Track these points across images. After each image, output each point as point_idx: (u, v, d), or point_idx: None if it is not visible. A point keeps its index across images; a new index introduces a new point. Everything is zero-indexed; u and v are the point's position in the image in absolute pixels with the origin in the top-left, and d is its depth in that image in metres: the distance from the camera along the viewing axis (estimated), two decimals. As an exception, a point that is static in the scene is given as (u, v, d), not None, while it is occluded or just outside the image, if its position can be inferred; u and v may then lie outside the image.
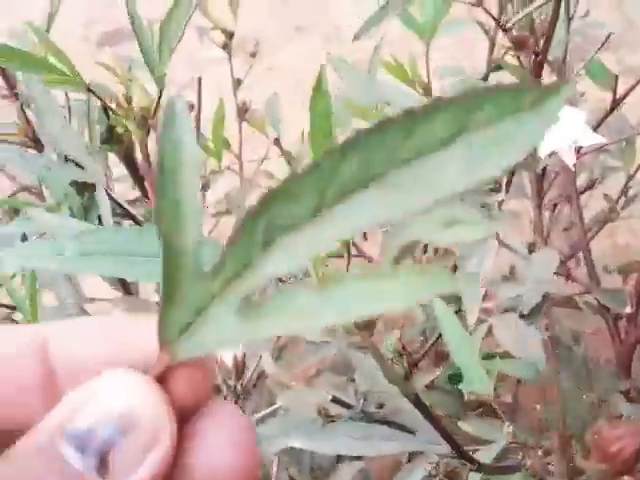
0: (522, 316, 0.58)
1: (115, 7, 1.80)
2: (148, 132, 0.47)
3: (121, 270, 0.29)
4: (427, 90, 0.79)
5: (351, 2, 1.65)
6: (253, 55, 0.94)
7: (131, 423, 0.19)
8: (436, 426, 0.44)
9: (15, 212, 0.91)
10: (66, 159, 0.67)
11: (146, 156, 0.48)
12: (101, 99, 0.48)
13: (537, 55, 0.47)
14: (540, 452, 0.44)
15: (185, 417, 0.20)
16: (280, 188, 0.19)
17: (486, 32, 0.84)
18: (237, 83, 0.91)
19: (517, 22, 0.50)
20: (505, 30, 0.73)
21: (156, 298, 0.90)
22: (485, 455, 0.47)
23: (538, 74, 0.49)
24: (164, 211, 0.20)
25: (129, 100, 0.47)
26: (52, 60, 0.47)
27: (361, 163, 0.18)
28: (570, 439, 0.44)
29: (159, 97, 0.47)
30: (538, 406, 0.86)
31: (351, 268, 0.34)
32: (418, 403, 0.43)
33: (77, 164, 0.58)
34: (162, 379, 0.20)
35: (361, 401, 0.59)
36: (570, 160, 0.47)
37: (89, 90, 0.48)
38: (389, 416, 0.60)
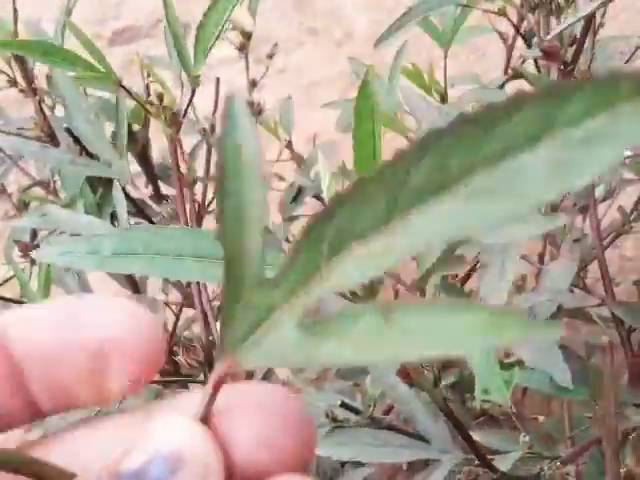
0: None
1: (126, 5, 1.80)
2: (178, 130, 0.47)
3: (157, 269, 0.29)
4: (443, 97, 0.79)
5: (363, 7, 1.65)
6: (270, 57, 0.94)
7: (181, 462, 0.19)
8: (462, 434, 0.44)
9: (26, 206, 0.91)
10: (81, 154, 0.67)
11: (175, 154, 0.48)
12: (134, 97, 0.48)
13: (566, 65, 0.46)
14: (558, 462, 0.44)
15: None
16: (348, 192, 0.18)
17: (504, 40, 0.84)
18: (252, 85, 0.90)
19: (545, 32, 0.50)
20: (525, 39, 0.73)
21: (162, 297, 0.90)
22: (501, 464, 0.46)
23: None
24: (226, 216, 0.19)
25: (161, 99, 0.46)
26: (86, 57, 0.46)
27: (436, 165, 0.17)
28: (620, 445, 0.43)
29: (192, 96, 0.46)
30: (541, 417, 0.86)
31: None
32: (446, 409, 0.42)
33: (98, 160, 0.58)
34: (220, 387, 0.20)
35: (370, 407, 0.59)
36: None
37: (121, 87, 0.48)
38: (397, 423, 0.60)
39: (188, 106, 0.46)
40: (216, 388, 0.19)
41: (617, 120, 0.16)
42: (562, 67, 0.47)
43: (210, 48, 0.45)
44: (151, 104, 0.46)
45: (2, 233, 1.42)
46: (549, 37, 0.44)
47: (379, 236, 0.18)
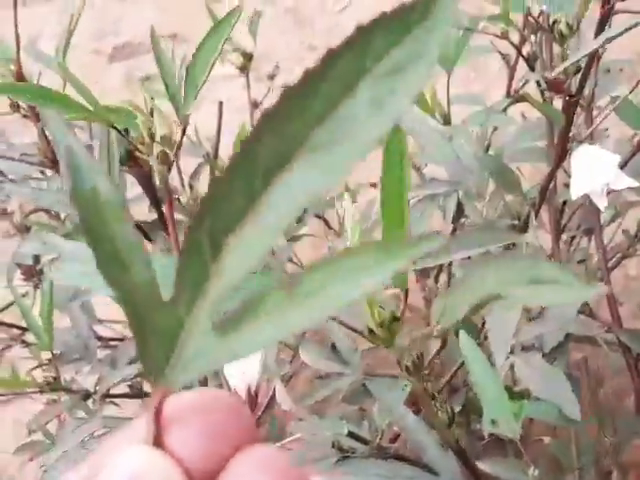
0: (543, 354, 0.58)
1: (125, 21, 1.80)
2: (170, 168, 0.47)
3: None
4: (446, 118, 0.79)
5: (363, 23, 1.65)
6: (272, 77, 0.94)
7: None
8: (472, 473, 0.43)
9: (27, 229, 0.91)
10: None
11: (167, 189, 0.48)
12: (125, 136, 0.48)
13: (571, 96, 0.46)
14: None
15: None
16: (210, 193, 0.19)
17: (506, 62, 0.84)
18: (254, 106, 0.90)
19: (548, 55, 0.50)
20: (528, 61, 0.73)
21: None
22: (510, 500, 0.46)
23: (571, 113, 0.48)
24: (104, 260, 0.20)
25: (152, 136, 0.46)
26: (76, 98, 0.46)
27: (277, 140, 0.18)
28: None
29: (182, 134, 0.46)
30: (547, 439, 0.85)
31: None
32: (458, 450, 0.42)
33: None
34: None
35: (378, 437, 0.59)
36: (601, 203, 0.46)
37: (113, 127, 0.48)
38: (404, 451, 0.60)
39: (180, 144, 0.46)
40: (157, 417, 0.20)
41: (415, 43, 0.17)
42: (567, 98, 0.47)
43: (201, 87, 0.45)
44: (142, 143, 0.46)
45: (3, 252, 1.41)
46: (555, 73, 0.44)
47: (248, 223, 0.19)
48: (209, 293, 0.19)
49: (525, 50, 0.79)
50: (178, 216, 0.71)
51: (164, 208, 0.74)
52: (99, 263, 0.20)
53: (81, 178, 0.20)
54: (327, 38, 1.58)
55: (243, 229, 0.19)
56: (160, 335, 0.20)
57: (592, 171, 0.46)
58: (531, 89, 0.89)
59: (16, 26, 0.68)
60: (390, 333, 0.33)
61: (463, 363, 0.63)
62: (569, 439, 0.72)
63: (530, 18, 0.75)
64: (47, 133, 0.70)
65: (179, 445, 0.20)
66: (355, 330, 0.36)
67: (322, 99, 0.18)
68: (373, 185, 0.97)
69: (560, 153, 0.50)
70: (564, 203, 0.71)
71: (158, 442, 0.20)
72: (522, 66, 0.85)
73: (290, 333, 0.18)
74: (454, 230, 0.82)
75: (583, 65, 0.48)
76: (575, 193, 0.47)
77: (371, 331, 0.34)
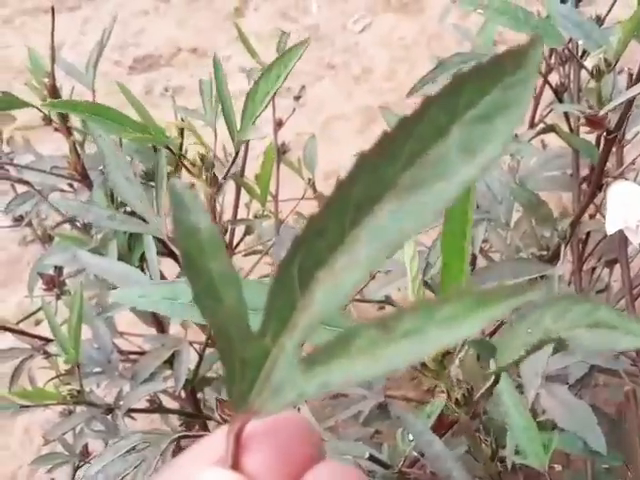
0: (568, 385, 0.58)
1: (146, 33, 1.81)
2: (218, 190, 0.48)
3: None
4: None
5: (381, 44, 1.66)
6: (297, 98, 0.95)
7: None
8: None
9: (50, 238, 0.91)
10: (113, 201, 0.67)
11: (213, 210, 0.49)
12: (178, 157, 0.49)
13: (609, 133, 0.47)
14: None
15: None
16: (305, 230, 0.19)
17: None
18: (278, 124, 0.91)
19: (576, 86, 0.50)
20: (557, 92, 0.74)
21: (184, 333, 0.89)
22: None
23: (608, 149, 0.49)
24: (201, 294, 0.21)
25: (203, 160, 0.47)
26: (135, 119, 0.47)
27: (370, 180, 0.19)
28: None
29: (234, 159, 0.47)
30: (558, 467, 0.85)
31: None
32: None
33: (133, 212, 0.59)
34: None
35: (400, 462, 0.59)
36: (636, 239, 0.47)
37: (167, 148, 0.49)
38: (425, 476, 0.60)
39: (230, 167, 0.47)
40: (238, 440, 0.21)
41: (506, 92, 0.18)
42: (606, 134, 0.47)
43: (259, 115, 0.46)
44: (193, 165, 0.47)
45: (20, 258, 1.42)
46: (603, 112, 0.44)
47: (339, 258, 0.19)
48: (296, 326, 0.20)
49: (551, 78, 0.80)
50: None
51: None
52: (196, 295, 0.20)
53: (184, 215, 0.21)
54: (346, 57, 1.59)
55: (334, 265, 0.19)
56: (246, 364, 0.21)
57: (627, 207, 0.47)
58: (552, 117, 0.89)
59: (52, 40, 0.68)
60: (442, 367, 0.34)
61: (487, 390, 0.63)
62: (584, 469, 0.72)
63: (559, 48, 0.76)
64: (77, 147, 0.71)
65: (256, 467, 0.21)
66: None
67: (414, 142, 0.18)
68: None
69: (595, 188, 0.50)
70: (587, 234, 0.72)
71: (236, 464, 0.21)
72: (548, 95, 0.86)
73: (381, 372, 0.18)
74: (474, 257, 0.83)
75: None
76: (610, 228, 0.47)
77: (423, 364, 0.34)
